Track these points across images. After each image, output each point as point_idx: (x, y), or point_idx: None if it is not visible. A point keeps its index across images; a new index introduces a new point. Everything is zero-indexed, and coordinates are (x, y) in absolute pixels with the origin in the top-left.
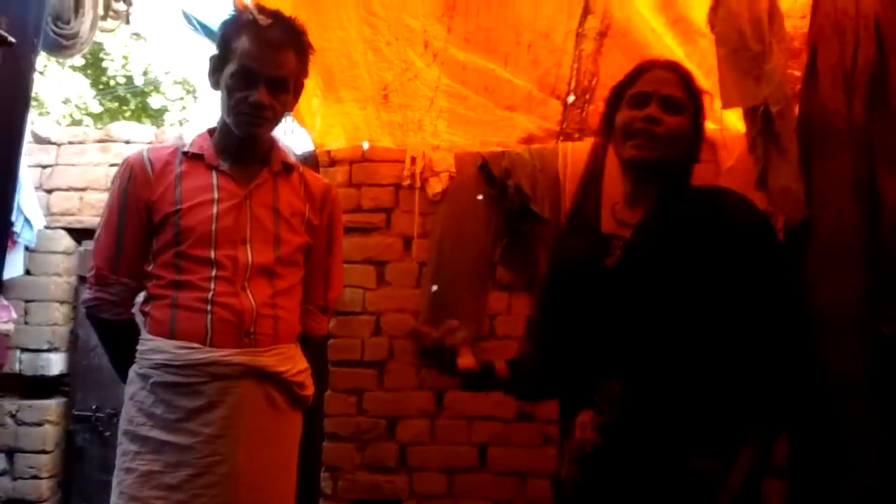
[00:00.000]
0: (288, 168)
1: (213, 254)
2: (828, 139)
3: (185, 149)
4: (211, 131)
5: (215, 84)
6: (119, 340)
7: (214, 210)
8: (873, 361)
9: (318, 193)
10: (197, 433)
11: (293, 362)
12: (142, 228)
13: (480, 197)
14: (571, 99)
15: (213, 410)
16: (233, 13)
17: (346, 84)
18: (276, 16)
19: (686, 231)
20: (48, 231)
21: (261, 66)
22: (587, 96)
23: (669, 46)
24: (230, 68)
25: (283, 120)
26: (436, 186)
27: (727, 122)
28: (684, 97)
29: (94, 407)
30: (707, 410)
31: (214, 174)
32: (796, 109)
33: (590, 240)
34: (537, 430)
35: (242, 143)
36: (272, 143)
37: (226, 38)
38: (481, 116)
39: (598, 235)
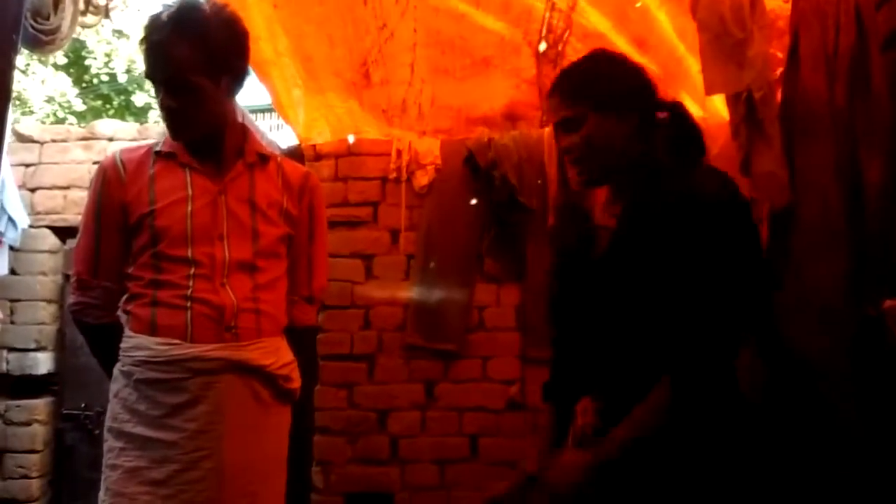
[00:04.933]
0: (263, 158)
1: (189, 252)
2: (810, 124)
3: (158, 148)
4: None
5: None
6: (105, 343)
7: (189, 208)
8: (858, 343)
9: (296, 182)
10: (181, 429)
11: (277, 355)
12: (118, 231)
13: (467, 189)
14: (543, 47)
15: (197, 406)
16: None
17: (328, 70)
18: (164, 13)
19: (649, 230)
20: (32, 230)
21: (153, 71)
22: (559, 47)
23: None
24: None
25: (240, 113)
26: (422, 179)
27: (711, 110)
28: (575, 109)
29: (82, 405)
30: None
31: (187, 172)
32: (779, 95)
33: (580, 232)
34: (528, 420)
35: (209, 140)
36: (245, 135)
37: None
38: (459, 80)
39: (588, 227)
